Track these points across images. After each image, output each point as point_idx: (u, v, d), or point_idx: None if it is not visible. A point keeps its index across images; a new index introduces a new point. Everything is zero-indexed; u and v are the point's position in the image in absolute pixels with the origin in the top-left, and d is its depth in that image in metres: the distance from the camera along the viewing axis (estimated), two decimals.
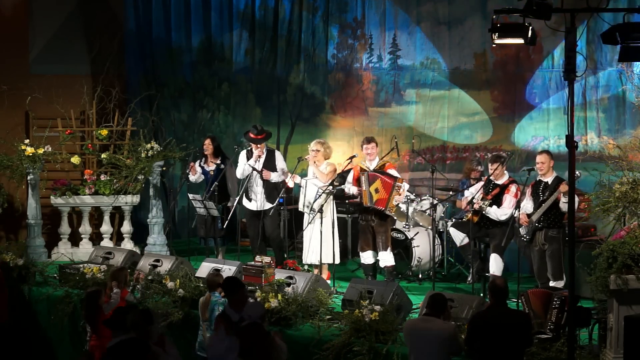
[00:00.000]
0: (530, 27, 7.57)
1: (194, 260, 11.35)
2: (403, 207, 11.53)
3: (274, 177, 11.49)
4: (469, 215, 10.62)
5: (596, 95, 11.96)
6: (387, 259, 10.97)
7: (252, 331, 7.59)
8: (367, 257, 11.08)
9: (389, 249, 10.99)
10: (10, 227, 13.39)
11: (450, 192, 11.90)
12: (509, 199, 10.40)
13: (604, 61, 11.82)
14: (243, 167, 11.55)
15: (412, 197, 11.83)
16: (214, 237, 12.02)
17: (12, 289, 11.26)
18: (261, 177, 11.44)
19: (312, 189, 11.15)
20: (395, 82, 13.37)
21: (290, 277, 9.96)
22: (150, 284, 10.49)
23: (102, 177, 12.87)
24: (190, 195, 12.07)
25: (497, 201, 10.46)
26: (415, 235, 11.53)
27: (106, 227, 12.99)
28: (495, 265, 10.41)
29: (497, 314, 7.38)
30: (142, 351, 6.71)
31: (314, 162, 11.27)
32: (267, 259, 10.17)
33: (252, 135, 11.59)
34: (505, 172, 10.68)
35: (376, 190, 10.84)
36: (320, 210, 10.87)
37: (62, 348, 11.05)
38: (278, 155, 11.74)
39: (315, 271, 10.97)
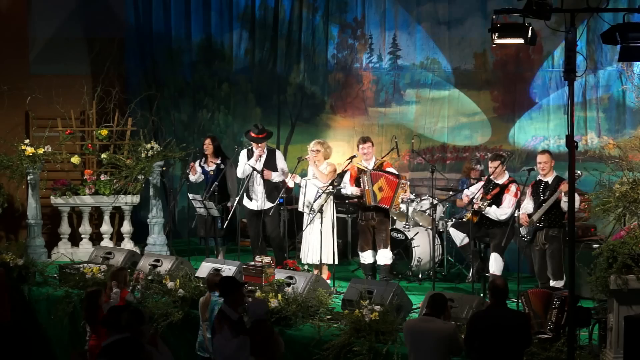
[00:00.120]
0: (530, 27, 7.57)
1: (194, 260, 11.34)
2: (403, 207, 11.53)
3: (275, 176, 11.48)
4: (469, 215, 10.62)
5: (596, 95, 11.97)
6: (384, 257, 10.96)
7: (261, 328, 7.65)
8: (366, 257, 11.07)
9: (389, 247, 10.99)
10: (10, 227, 13.40)
11: (450, 192, 11.90)
12: (508, 199, 10.40)
13: (604, 61, 11.83)
14: (243, 166, 11.54)
15: (412, 197, 11.84)
16: (214, 237, 12.00)
17: (12, 289, 11.29)
18: (262, 177, 11.44)
19: (312, 189, 11.14)
20: (395, 82, 13.36)
21: (290, 277, 9.95)
22: (150, 284, 10.49)
23: (102, 177, 12.87)
24: (190, 195, 12.06)
25: (497, 201, 10.45)
26: (415, 235, 11.53)
27: (106, 227, 12.99)
28: (495, 265, 10.41)
29: (497, 314, 7.38)
30: (136, 350, 6.73)
31: (314, 162, 11.27)
32: (267, 259, 10.18)
33: (253, 134, 11.58)
34: (506, 171, 10.68)
35: (380, 189, 10.83)
36: (320, 211, 10.87)
37: (62, 348, 11.05)
38: (279, 155, 11.73)
39: (315, 271, 10.97)
